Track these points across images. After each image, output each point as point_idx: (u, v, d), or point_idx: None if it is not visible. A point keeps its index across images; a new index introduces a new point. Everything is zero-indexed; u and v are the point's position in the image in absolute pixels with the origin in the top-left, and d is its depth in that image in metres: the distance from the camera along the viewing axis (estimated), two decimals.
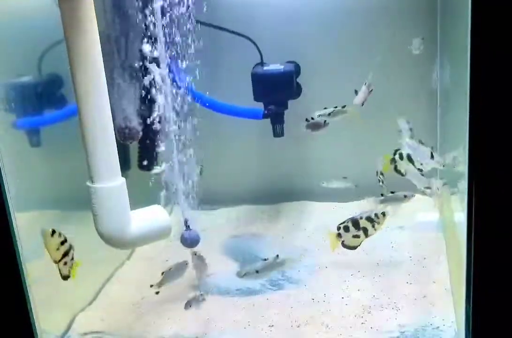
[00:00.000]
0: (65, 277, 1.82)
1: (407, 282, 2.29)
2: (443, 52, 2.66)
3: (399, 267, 2.41)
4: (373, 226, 2.01)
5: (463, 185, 1.65)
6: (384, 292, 2.24)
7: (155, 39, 2.05)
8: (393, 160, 2.20)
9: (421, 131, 2.57)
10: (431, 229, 2.64)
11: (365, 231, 2.00)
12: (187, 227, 2.21)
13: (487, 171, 1.57)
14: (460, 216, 1.81)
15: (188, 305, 2.10)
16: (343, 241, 2.02)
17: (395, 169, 2.22)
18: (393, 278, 2.34)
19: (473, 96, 1.53)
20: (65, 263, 1.82)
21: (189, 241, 2.21)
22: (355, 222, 2.00)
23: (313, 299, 2.25)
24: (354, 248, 2.04)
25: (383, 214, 2.02)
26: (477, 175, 1.58)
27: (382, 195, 2.56)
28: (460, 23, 1.72)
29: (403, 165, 2.19)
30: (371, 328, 2.04)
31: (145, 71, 2.10)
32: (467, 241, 1.66)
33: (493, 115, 1.53)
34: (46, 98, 2.34)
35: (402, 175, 2.24)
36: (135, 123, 2.19)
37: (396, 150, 2.19)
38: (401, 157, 2.17)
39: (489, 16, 1.46)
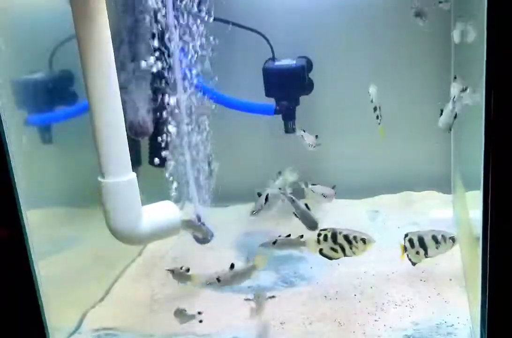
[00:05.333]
0: None
1: (421, 279, 2.27)
2: (457, 49, 2.63)
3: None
4: (437, 248, 1.92)
5: (478, 180, 1.63)
6: (397, 289, 2.22)
7: (168, 35, 2.04)
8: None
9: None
10: (445, 225, 2.60)
11: (426, 250, 1.92)
12: (200, 223, 2.20)
13: (503, 166, 1.55)
14: (475, 212, 1.78)
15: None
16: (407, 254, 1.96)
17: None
18: (406, 275, 2.32)
19: (488, 96, 1.52)
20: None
21: (202, 237, 2.21)
22: (421, 239, 1.93)
23: (325, 296, 2.24)
24: (413, 263, 1.97)
25: (452, 239, 1.93)
26: (492, 171, 1.56)
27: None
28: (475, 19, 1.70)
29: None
30: (385, 325, 2.03)
31: (158, 67, 2.10)
32: (482, 238, 1.64)
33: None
34: (58, 94, 2.33)
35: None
36: (147, 119, 2.18)
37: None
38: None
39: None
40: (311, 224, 2.11)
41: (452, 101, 1.98)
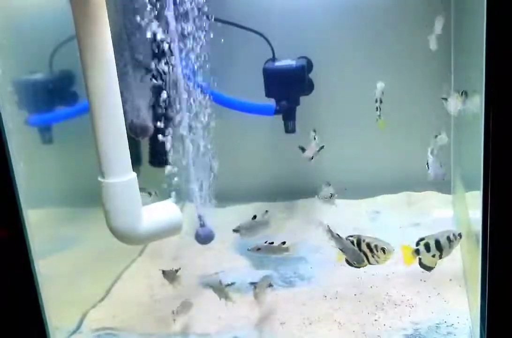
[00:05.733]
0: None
1: (421, 279, 2.27)
2: (457, 49, 2.63)
3: (413, 264, 2.38)
4: (450, 247, 1.90)
5: (478, 180, 1.63)
6: (397, 289, 2.22)
7: (168, 35, 2.04)
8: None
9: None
10: (446, 226, 2.60)
11: (441, 252, 1.89)
12: (202, 223, 2.20)
13: (503, 167, 1.56)
14: (475, 213, 1.78)
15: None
16: (420, 259, 1.91)
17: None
18: (406, 275, 2.32)
19: (488, 96, 1.52)
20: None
21: (203, 237, 2.21)
22: (437, 242, 1.89)
23: (325, 296, 2.24)
24: (430, 268, 1.94)
25: (459, 235, 1.92)
26: (492, 171, 1.56)
27: None
28: (475, 19, 1.70)
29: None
30: (384, 325, 2.03)
31: (158, 67, 2.10)
32: (482, 238, 1.64)
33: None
34: (58, 95, 2.34)
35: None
36: (147, 119, 2.19)
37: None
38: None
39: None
40: (358, 259, 2.08)
41: (431, 153, 1.97)
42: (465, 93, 2.02)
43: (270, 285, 2.13)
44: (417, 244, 1.92)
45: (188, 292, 2.35)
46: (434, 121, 2.48)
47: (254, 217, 2.12)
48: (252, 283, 2.12)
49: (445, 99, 2.08)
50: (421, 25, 2.67)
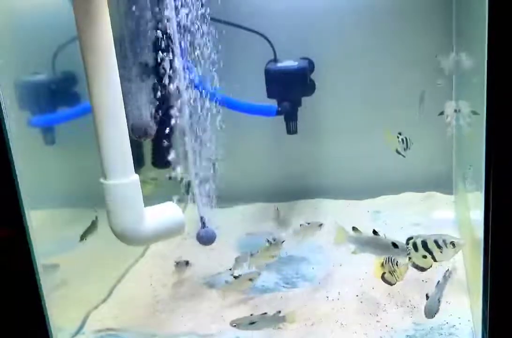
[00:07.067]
0: None
1: (423, 280, 2.27)
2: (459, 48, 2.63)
3: None
4: (442, 251, 1.85)
5: (480, 182, 1.63)
6: (399, 290, 2.22)
7: (169, 36, 2.05)
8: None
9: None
10: (447, 226, 2.61)
11: (432, 253, 1.86)
12: (203, 224, 2.21)
13: (504, 168, 1.56)
14: (476, 213, 1.79)
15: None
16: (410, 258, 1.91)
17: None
18: (408, 275, 2.32)
19: (489, 97, 1.52)
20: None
21: (205, 238, 2.22)
22: (424, 242, 1.86)
23: (327, 297, 2.24)
24: (423, 269, 1.92)
25: (452, 243, 1.86)
26: (494, 172, 1.57)
27: None
28: (476, 19, 1.70)
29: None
30: (386, 326, 2.03)
31: (159, 68, 2.10)
32: (484, 238, 1.64)
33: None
34: (61, 96, 2.34)
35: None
36: (149, 120, 2.19)
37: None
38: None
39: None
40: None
41: (437, 286, 1.98)
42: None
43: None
44: (407, 242, 1.92)
45: (190, 292, 2.36)
46: (435, 121, 2.49)
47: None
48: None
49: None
50: (423, 26, 2.68)
